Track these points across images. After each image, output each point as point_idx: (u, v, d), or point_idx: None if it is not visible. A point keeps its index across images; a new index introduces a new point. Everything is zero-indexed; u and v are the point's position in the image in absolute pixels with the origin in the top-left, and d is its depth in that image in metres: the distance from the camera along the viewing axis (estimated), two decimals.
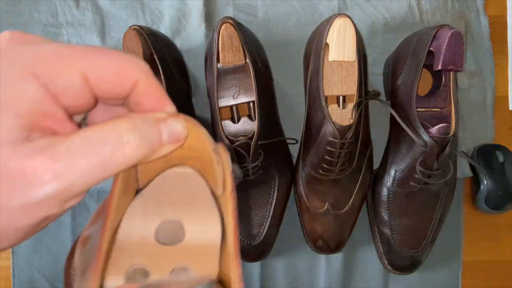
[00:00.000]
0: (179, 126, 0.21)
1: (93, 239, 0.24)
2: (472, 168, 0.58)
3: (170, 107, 0.22)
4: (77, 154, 0.18)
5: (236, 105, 0.51)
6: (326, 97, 0.50)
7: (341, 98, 0.51)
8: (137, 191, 0.25)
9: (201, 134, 0.22)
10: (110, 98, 0.21)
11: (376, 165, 0.58)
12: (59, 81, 0.18)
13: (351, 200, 0.55)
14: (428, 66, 0.51)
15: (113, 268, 0.22)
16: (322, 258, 0.60)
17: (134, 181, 0.25)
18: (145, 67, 0.21)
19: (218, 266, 0.24)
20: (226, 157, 0.23)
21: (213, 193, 0.25)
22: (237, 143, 0.49)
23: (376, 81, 0.59)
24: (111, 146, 0.18)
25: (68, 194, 0.18)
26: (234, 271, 0.21)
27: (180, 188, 0.25)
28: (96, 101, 0.21)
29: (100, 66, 0.19)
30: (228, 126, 0.52)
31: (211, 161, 0.23)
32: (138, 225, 0.24)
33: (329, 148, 0.49)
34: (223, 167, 0.23)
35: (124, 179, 0.22)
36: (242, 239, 0.55)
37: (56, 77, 0.18)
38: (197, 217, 0.25)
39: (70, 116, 0.20)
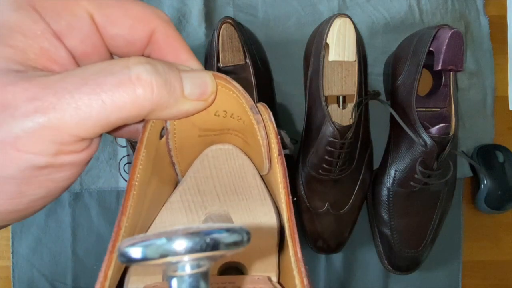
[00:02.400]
0: (206, 77, 0.17)
1: None
2: (472, 168, 0.58)
3: (196, 64, 0.18)
4: (71, 83, 0.14)
5: None
6: (326, 97, 0.50)
7: (341, 98, 0.52)
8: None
9: (235, 89, 0.18)
10: (123, 50, 0.18)
11: (376, 165, 0.58)
12: (62, 16, 0.16)
13: (351, 200, 0.55)
14: (428, 66, 0.51)
15: (140, 268, 0.18)
16: (322, 258, 0.60)
17: (168, 165, 0.20)
18: (164, 16, 0.18)
19: (277, 264, 0.20)
20: (268, 115, 0.18)
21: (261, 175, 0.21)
22: None
23: (376, 81, 0.59)
24: (115, 77, 0.15)
25: (59, 135, 0.14)
26: (294, 260, 0.16)
27: (222, 170, 0.20)
28: (110, 55, 0.18)
29: (109, 6, 0.16)
30: None
31: (251, 124, 0.18)
32: (180, 221, 0.20)
33: (329, 148, 0.49)
34: (265, 127, 0.18)
35: (150, 156, 0.18)
36: None
37: (59, 12, 0.16)
38: (246, 207, 0.20)
39: (78, 64, 0.17)
